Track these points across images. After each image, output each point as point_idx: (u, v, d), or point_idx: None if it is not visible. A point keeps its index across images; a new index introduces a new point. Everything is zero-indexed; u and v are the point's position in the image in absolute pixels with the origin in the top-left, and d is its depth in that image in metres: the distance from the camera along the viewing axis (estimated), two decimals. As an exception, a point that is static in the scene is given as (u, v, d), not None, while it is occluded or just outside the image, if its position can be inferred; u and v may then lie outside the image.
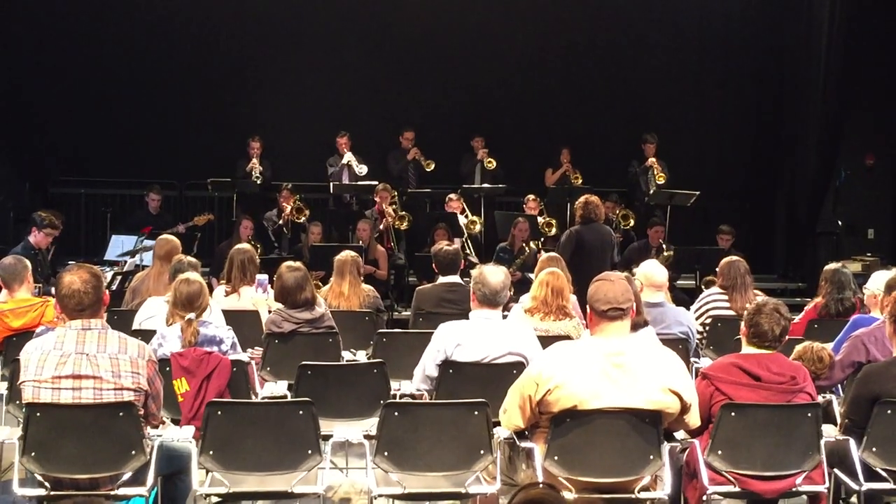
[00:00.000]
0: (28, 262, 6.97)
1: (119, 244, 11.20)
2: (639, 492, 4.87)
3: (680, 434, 5.21)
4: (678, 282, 11.22)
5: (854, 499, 5.34)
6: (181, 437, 5.16)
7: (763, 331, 5.06)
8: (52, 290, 6.00)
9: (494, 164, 13.46)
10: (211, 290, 7.78)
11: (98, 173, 13.84)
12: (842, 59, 13.64)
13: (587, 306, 4.83)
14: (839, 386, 6.09)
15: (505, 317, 6.26)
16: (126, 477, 4.78)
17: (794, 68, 14.47)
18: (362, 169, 13.12)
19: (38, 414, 4.68)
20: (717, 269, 8.11)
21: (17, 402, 5.10)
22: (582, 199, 9.79)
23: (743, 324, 5.22)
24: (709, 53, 15.04)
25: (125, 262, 10.49)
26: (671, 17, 14.63)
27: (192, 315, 5.73)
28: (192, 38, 13.96)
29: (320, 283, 8.90)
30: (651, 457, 4.78)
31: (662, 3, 14.50)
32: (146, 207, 12.73)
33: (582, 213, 9.65)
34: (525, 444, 4.97)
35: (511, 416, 4.89)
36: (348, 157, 13.18)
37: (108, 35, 13.69)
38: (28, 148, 13.61)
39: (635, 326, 5.32)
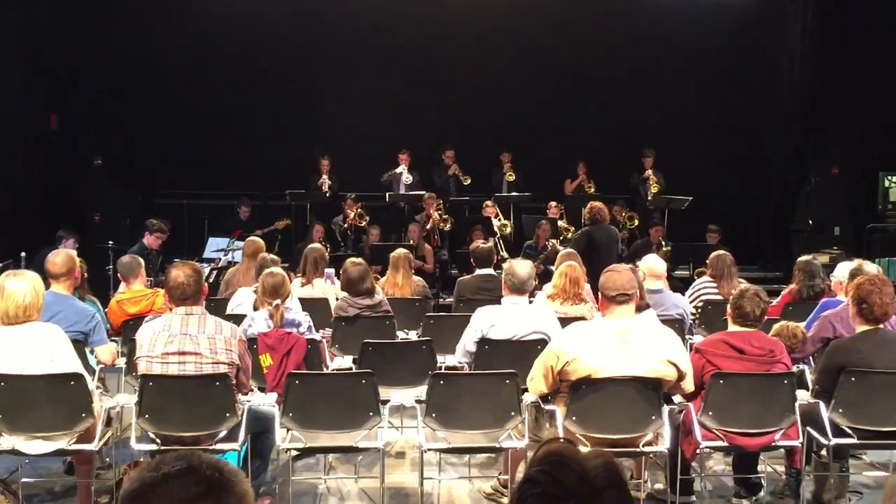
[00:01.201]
0: (141, 260, 7.05)
1: (215, 245, 11.31)
2: (643, 446, 4.87)
3: (677, 398, 5.19)
4: (675, 272, 11.13)
5: (824, 451, 5.28)
6: (266, 402, 5.22)
7: (746, 312, 5.04)
8: (162, 282, 6.07)
9: (514, 177, 13.45)
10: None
11: (197, 187, 13.96)
12: (812, 88, 13.54)
13: (599, 293, 4.83)
14: (811, 358, 6.03)
15: (531, 302, 6.25)
16: (222, 434, 4.85)
17: (772, 94, 14.36)
18: (409, 178, 13.20)
19: (151, 384, 4.75)
20: (708, 262, 8.05)
21: (134, 374, 5.17)
22: (590, 204, 9.83)
23: (729, 306, 5.19)
24: (702, 81, 14.87)
25: (220, 258, 10.59)
26: (672, 49, 14.49)
27: (278, 301, 5.78)
28: (275, 75, 14.02)
29: (379, 276, 8.92)
30: (653, 417, 4.77)
31: (664, 38, 14.36)
32: (237, 215, 12.82)
33: (590, 217, 9.71)
34: (548, 407, 4.97)
35: (536, 383, 4.89)
36: (401, 168, 13.23)
37: (204, 75, 13.81)
38: (140, 166, 13.78)
39: (639, 309, 5.31)
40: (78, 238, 9.57)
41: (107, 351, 5.88)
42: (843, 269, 6.56)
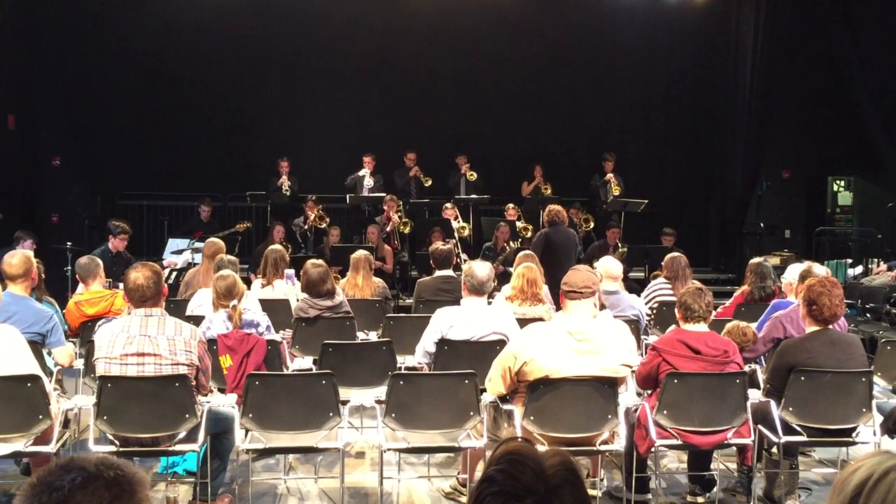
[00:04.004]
0: (100, 261, 6.96)
1: (174, 246, 11.18)
2: (599, 445, 4.90)
3: (633, 397, 5.24)
4: (630, 274, 11.22)
5: (774, 449, 5.35)
6: (226, 403, 5.18)
7: (691, 307, 5.13)
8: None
9: (476, 176, 13.48)
10: (249, 283, 7.80)
11: (157, 188, 13.81)
12: (762, 94, 13.76)
13: (560, 289, 4.87)
14: (762, 357, 6.11)
15: (490, 303, 6.27)
16: (181, 436, 4.80)
17: (724, 101, 14.55)
18: (370, 182, 13.19)
19: (109, 385, 4.68)
20: (662, 263, 8.13)
21: (92, 375, 5.10)
22: (549, 207, 9.86)
23: (676, 310, 5.26)
24: (657, 89, 15.10)
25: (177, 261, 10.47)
26: (628, 59, 14.67)
27: (235, 302, 5.73)
28: (235, 78, 14.00)
29: (339, 277, 8.90)
30: (609, 416, 4.81)
31: (621, 49, 14.53)
32: (198, 216, 12.71)
33: (549, 219, 9.72)
34: (506, 407, 4.98)
35: (495, 383, 4.90)
36: (364, 172, 13.22)
37: (165, 77, 13.70)
38: (101, 168, 13.61)
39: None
40: (36, 239, 9.42)
41: (64, 352, 5.79)
42: (793, 272, 6.66)
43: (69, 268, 9.38)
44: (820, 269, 6.40)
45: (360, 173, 13.20)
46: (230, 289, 5.81)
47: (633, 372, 5.10)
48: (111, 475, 1.56)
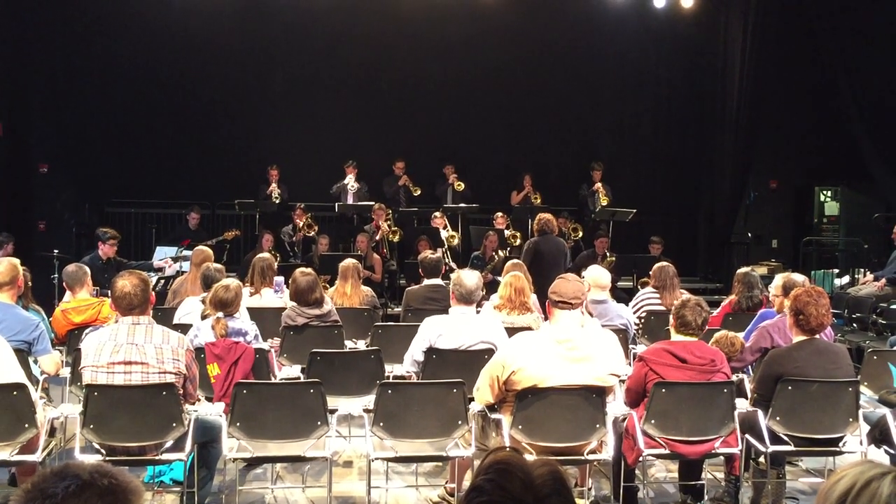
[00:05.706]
0: (87, 269, 6.93)
1: (162, 254, 11.15)
2: (587, 454, 4.90)
3: (621, 407, 5.24)
4: (619, 283, 11.23)
5: (762, 458, 5.36)
6: (214, 411, 5.16)
7: (688, 321, 5.11)
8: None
9: (463, 186, 13.51)
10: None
11: (145, 196, 13.77)
12: (750, 104, 13.83)
13: (547, 298, 4.88)
14: (749, 367, 6.13)
15: (478, 312, 6.26)
16: (168, 444, 4.79)
17: (712, 111, 14.61)
18: (355, 186, 13.21)
19: (96, 393, 4.66)
20: (651, 273, 8.13)
21: (79, 383, 5.08)
22: (539, 216, 9.86)
23: (671, 316, 5.26)
24: (645, 99, 15.15)
25: (165, 268, 10.42)
26: (616, 69, 14.74)
27: (220, 314, 5.71)
28: (224, 85, 13.97)
29: (327, 285, 8.87)
30: (597, 426, 4.81)
31: (609, 58, 14.60)
32: (186, 224, 12.66)
33: (539, 228, 9.72)
34: (495, 416, 4.98)
35: (483, 392, 4.90)
36: (349, 179, 13.23)
37: (153, 84, 13.67)
38: (88, 175, 13.56)
39: (583, 319, 5.34)
40: (13, 242, 9.35)
41: (51, 360, 5.76)
42: (780, 281, 6.67)
43: (56, 275, 9.34)
44: (798, 278, 6.42)
45: (345, 181, 13.22)
46: (226, 304, 5.75)
47: (620, 381, 5.11)
48: (105, 483, 1.56)
